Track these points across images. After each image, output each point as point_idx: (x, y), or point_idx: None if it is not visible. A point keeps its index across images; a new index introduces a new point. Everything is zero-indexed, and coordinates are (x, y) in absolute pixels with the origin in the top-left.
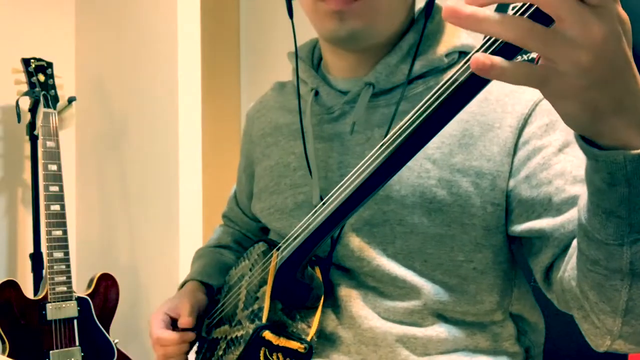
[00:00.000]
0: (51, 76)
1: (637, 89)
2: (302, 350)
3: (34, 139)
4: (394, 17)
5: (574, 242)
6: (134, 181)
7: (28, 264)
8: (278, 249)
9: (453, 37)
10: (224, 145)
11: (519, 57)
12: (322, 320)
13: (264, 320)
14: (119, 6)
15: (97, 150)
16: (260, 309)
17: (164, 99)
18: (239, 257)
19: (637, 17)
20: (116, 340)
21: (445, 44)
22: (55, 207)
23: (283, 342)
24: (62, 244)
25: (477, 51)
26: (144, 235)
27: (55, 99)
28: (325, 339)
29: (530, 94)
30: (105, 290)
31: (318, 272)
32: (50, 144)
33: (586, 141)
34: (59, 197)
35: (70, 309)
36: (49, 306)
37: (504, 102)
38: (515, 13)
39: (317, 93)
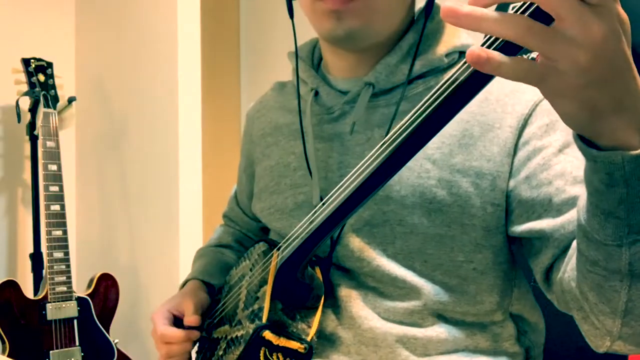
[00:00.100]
0: (51, 76)
1: (637, 89)
2: (302, 351)
3: (34, 139)
4: (393, 17)
5: (574, 243)
6: (134, 181)
7: (28, 264)
8: (278, 249)
9: (453, 37)
10: (224, 145)
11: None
12: (322, 320)
13: (264, 320)
14: (119, 6)
15: (97, 150)
16: (261, 309)
17: (164, 99)
18: (239, 257)
19: (637, 17)
20: (116, 340)
21: (445, 44)
22: (55, 207)
23: (283, 342)
24: (62, 244)
25: None
26: (144, 235)
27: (55, 99)
28: (325, 339)
29: (531, 94)
30: (105, 290)
31: (318, 273)
32: (50, 144)
33: (585, 142)
34: (59, 197)
35: (70, 309)
36: (49, 306)
37: (504, 102)
38: (515, 12)
39: (317, 93)
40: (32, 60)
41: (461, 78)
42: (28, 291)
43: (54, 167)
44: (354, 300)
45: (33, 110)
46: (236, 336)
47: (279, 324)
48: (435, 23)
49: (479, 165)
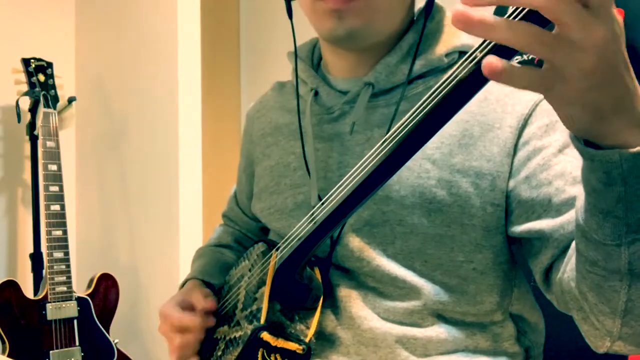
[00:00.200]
0: (51, 76)
1: (635, 88)
2: (301, 352)
3: (34, 139)
4: (394, 16)
5: (574, 243)
6: (134, 181)
7: (28, 264)
8: (277, 250)
9: (453, 37)
10: (224, 145)
11: (518, 57)
12: (321, 321)
13: (262, 321)
14: (119, 6)
15: (97, 150)
16: (259, 310)
17: (164, 99)
18: (239, 257)
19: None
20: (116, 340)
21: (445, 44)
22: (55, 207)
23: (281, 343)
24: (62, 244)
25: (477, 50)
26: (144, 235)
27: (55, 99)
28: (325, 339)
29: (531, 95)
30: (105, 290)
31: (317, 273)
32: (50, 144)
33: (582, 141)
34: (59, 197)
35: (70, 309)
36: (49, 306)
37: (504, 102)
38: (513, 14)
39: (316, 93)
40: (32, 60)
41: (461, 75)
42: (28, 291)
43: (54, 167)
44: (353, 301)
45: (33, 110)
46: (234, 337)
47: (277, 325)
48: (435, 23)
49: (478, 165)
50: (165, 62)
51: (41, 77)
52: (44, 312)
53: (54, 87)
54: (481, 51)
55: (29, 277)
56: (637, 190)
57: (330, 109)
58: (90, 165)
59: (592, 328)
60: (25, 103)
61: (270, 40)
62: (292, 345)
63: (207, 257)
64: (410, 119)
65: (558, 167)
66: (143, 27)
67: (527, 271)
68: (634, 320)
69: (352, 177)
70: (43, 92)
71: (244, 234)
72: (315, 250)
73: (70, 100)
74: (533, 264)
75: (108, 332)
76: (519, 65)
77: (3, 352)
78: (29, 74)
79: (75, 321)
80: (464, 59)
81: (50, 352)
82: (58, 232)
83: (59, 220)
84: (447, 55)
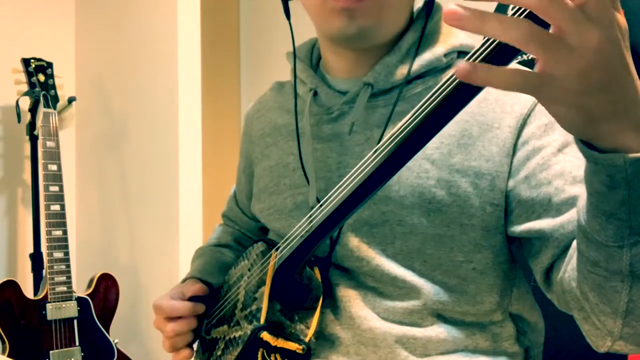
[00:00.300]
0: (51, 76)
1: (636, 92)
2: (300, 352)
3: (34, 139)
4: (400, 15)
5: (574, 243)
6: (134, 181)
7: (28, 264)
8: (277, 250)
9: (452, 37)
10: (224, 145)
11: (518, 57)
12: (321, 320)
13: (262, 321)
14: (119, 6)
15: (97, 150)
16: (259, 310)
17: (164, 99)
18: (239, 257)
19: (637, 17)
20: (116, 340)
21: (444, 44)
22: (55, 207)
23: (281, 343)
24: (62, 244)
25: (476, 52)
26: (144, 235)
27: (55, 99)
28: (324, 339)
29: None
30: (105, 290)
31: (317, 273)
32: (50, 144)
33: (586, 144)
34: (59, 197)
35: (70, 309)
36: (49, 306)
37: (503, 102)
38: (513, 14)
39: (315, 93)
40: (32, 60)
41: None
42: (28, 291)
43: (54, 167)
44: (353, 300)
45: (33, 110)
46: (234, 337)
47: (277, 324)
48: (434, 23)
49: (478, 165)
50: (165, 62)
51: (41, 77)
52: (44, 312)
53: (54, 87)
54: (481, 52)
55: (29, 277)
56: None
57: (329, 109)
58: (90, 165)
59: (593, 328)
60: (25, 103)
61: (270, 40)
62: (292, 345)
63: (206, 256)
64: (410, 120)
65: (557, 167)
66: (143, 27)
67: (527, 271)
68: (635, 321)
69: (352, 178)
70: (43, 92)
71: (243, 233)
72: (315, 250)
73: (70, 100)
74: (533, 263)
75: (108, 332)
76: (495, 66)
77: (3, 352)
78: (29, 74)
79: (75, 321)
80: (464, 60)
81: (50, 352)
82: (58, 232)
83: (59, 220)
84: (446, 55)
